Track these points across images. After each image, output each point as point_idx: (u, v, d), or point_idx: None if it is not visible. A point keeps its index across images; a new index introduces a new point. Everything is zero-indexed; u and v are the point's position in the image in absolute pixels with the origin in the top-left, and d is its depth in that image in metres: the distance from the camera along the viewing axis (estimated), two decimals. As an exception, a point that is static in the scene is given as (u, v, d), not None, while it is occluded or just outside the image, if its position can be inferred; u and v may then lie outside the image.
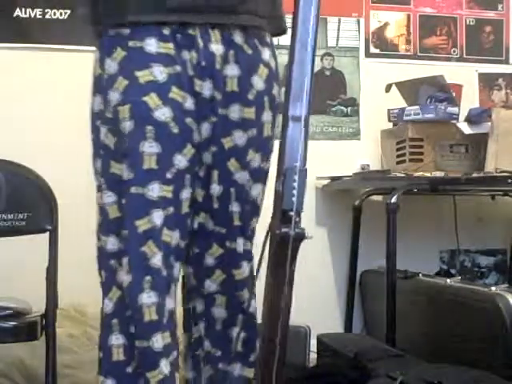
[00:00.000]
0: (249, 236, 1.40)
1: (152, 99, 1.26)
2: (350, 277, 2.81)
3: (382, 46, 2.98)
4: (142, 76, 1.27)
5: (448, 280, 2.27)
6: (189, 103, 1.30)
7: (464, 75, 2.97)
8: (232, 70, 1.32)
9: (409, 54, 3.00)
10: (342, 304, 2.84)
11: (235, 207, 1.37)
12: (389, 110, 2.74)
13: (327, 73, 2.92)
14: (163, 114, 1.27)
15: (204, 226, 1.38)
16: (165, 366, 1.24)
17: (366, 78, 2.94)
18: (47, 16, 2.61)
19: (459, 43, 3.04)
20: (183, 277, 1.46)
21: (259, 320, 1.15)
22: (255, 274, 1.14)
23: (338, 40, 2.91)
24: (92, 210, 2.66)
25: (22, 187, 1.69)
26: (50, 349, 1.51)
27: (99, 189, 1.33)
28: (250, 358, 1.40)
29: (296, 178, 0.90)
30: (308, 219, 2.83)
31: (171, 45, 1.28)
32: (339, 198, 2.86)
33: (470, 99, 2.91)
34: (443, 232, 2.90)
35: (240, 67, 1.33)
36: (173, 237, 1.28)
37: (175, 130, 1.28)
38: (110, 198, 1.30)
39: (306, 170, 0.93)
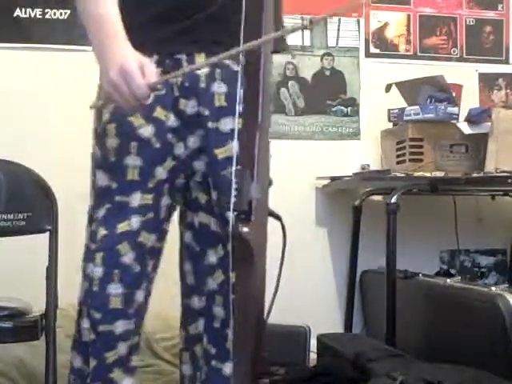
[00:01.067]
0: None
1: (137, 119, 1.39)
2: (350, 277, 2.81)
3: (382, 46, 2.98)
4: None
5: (448, 280, 2.27)
6: (171, 121, 1.41)
7: (464, 75, 2.97)
8: (219, 88, 1.42)
9: (409, 53, 3.00)
10: (342, 304, 2.84)
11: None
12: (389, 110, 2.75)
13: (327, 73, 2.92)
14: (146, 131, 1.39)
15: (207, 225, 1.48)
16: (122, 348, 1.40)
17: (366, 78, 2.94)
18: (47, 16, 2.61)
19: (459, 43, 3.04)
20: (181, 275, 1.57)
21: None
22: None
23: (337, 40, 2.91)
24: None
25: (22, 187, 1.69)
26: (49, 349, 1.51)
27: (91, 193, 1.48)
28: None
29: (234, 179, 0.99)
30: (308, 219, 2.83)
31: (159, 70, 1.36)
32: (339, 198, 2.86)
33: (470, 99, 2.91)
34: (443, 232, 2.89)
35: (227, 84, 1.42)
36: (149, 239, 1.42)
37: (157, 145, 1.40)
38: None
39: (248, 171, 0.98)
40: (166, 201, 1.44)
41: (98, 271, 1.39)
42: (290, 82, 2.88)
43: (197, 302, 1.51)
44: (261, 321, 1.06)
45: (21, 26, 2.61)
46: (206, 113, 1.42)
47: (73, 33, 2.59)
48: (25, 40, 2.61)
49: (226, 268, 1.40)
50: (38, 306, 1.63)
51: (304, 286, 2.73)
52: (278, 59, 2.86)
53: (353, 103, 2.93)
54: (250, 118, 0.99)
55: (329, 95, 2.91)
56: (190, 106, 1.41)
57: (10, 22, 2.60)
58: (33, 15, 2.61)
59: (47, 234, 1.65)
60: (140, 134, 1.39)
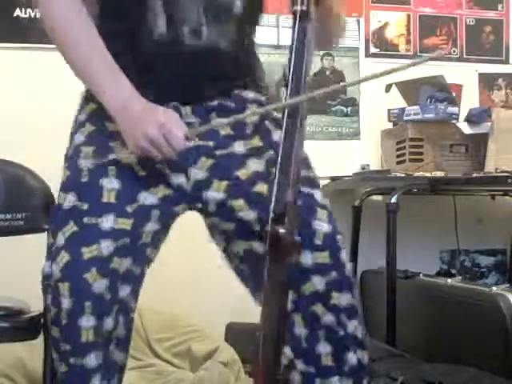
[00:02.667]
0: (319, 247, 1.33)
1: (118, 145, 1.31)
2: (350, 277, 2.80)
3: (381, 46, 2.98)
4: (111, 125, 1.31)
5: (449, 280, 2.27)
6: None
7: (464, 75, 2.97)
8: (221, 121, 1.34)
9: (409, 53, 3.00)
10: (342, 304, 2.84)
11: None
12: (389, 110, 2.74)
13: (327, 73, 2.92)
14: (128, 158, 1.30)
15: (251, 250, 1.36)
16: (97, 380, 1.29)
17: (366, 78, 2.94)
18: (47, 16, 2.61)
19: (459, 43, 3.04)
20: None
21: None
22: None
23: (337, 40, 2.91)
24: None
25: (20, 187, 1.69)
26: (48, 348, 1.51)
27: None
28: (343, 369, 1.32)
29: (275, 186, 1.11)
30: (308, 219, 2.82)
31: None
32: (339, 198, 2.85)
33: (470, 99, 2.91)
34: (443, 232, 2.89)
35: (227, 116, 1.33)
36: (123, 264, 1.30)
37: (141, 173, 1.32)
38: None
39: (285, 178, 1.10)
40: (152, 227, 1.33)
41: (65, 302, 1.26)
42: (290, 82, 2.88)
43: None
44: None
45: (21, 26, 2.61)
46: (210, 144, 1.34)
47: (72, 33, 2.59)
48: (25, 40, 2.61)
49: (292, 285, 1.29)
50: (36, 306, 1.63)
51: (304, 286, 2.72)
52: (278, 59, 2.86)
53: (353, 103, 2.92)
54: (288, 134, 1.13)
55: (329, 95, 2.91)
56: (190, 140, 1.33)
57: (10, 22, 2.60)
58: (33, 15, 2.60)
59: (45, 233, 1.65)
60: (121, 159, 1.31)
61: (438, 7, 3.03)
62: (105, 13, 1.36)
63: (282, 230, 1.09)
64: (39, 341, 1.57)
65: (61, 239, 1.29)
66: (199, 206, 1.37)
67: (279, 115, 1.37)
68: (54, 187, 1.82)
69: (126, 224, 1.29)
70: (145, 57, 1.32)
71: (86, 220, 1.28)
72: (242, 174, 1.34)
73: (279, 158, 1.12)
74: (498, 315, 1.91)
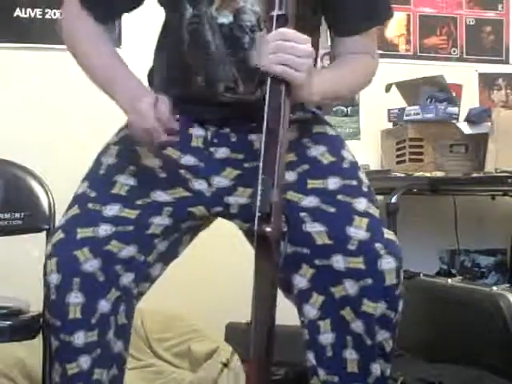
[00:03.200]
0: (353, 252, 1.29)
1: (144, 150, 1.36)
2: (351, 277, 2.80)
3: (382, 46, 2.97)
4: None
5: (449, 280, 2.26)
6: (185, 160, 1.38)
7: (464, 75, 2.97)
8: (257, 137, 1.37)
9: (409, 53, 3.00)
10: (342, 304, 2.84)
11: (313, 228, 1.32)
12: (389, 110, 2.75)
13: (327, 73, 2.91)
14: (150, 161, 1.36)
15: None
16: (84, 362, 1.30)
17: (366, 77, 2.93)
18: (47, 16, 2.61)
19: (459, 43, 3.04)
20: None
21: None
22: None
23: (338, 40, 2.91)
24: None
25: (19, 186, 1.69)
26: (47, 348, 1.51)
27: None
28: (368, 380, 1.31)
29: (259, 186, 1.17)
30: (308, 219, 2.82)
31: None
32: (339, 198, 2.85)
33: (470, 99, 2.91)
34: (443, 232, 2.89)
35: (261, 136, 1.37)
36: (123, 249, 1.32)
37: (162, 175, 1.36)
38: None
39: (270, 179, 1.17)
40: (161, 220, 1.36)
41: (53, 278, 1.29)
42: (290, 82, 2.88)
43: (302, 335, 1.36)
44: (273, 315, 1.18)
45: (20, 26, 2.61)
46: (240, 157, 1.38)
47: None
48: (24, 40, 2.61)
49: (322, 286, 1.30)
50: (36, 306, 1.63)
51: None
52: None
53: (353, 103, 2.92)
54: (271, 141, 1.20)
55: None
56: (219, 152, 1.39)
57: (10, 22, 2.60)
58: (33, 15, 2.61)
59: (44, 233, 1.66)
60: (142, 162, 1.37)
61: (438, 7, 3.03)
62: (156, 81, 1.45)
63: (268, 229, 1.15)
64: (39, 341, 1.57)
65: (62, 220, 1.35)
66: (219, 209, 1.40)
67: (322, 131, 1.43)
68: (53, 187, 1.83)
69: (130, 213, 1.34)
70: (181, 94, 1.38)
71: (89, 205, 1.33)
72: None
73: (261, 161, 1.18)
74: (498, 315, 1.91)
